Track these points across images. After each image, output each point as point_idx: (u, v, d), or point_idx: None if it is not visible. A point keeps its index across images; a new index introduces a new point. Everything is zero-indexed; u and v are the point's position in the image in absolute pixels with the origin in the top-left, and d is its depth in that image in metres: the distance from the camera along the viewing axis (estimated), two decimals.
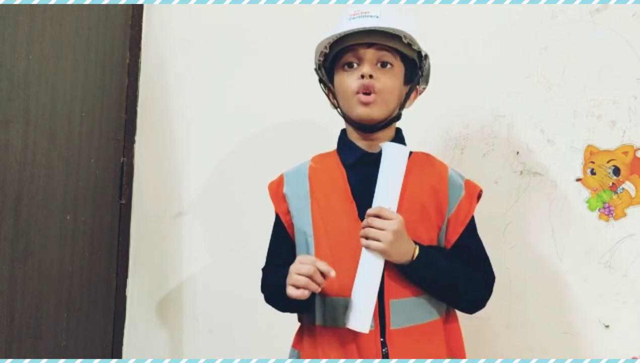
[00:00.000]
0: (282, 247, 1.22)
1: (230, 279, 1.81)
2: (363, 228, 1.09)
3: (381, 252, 1.07)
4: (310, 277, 1.04)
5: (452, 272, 1.13)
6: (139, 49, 2.02)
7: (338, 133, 1.26)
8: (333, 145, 1.26)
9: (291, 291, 1.05)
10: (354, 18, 1.15)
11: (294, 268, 1.06)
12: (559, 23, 1.47)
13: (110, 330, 1.93)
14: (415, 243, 1.11)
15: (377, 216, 1.08)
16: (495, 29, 1.53)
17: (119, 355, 1.95)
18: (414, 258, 1.09)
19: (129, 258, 1.99)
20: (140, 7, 2.02)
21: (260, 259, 1.28)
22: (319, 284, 1.04)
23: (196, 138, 1.92)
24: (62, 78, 1.75)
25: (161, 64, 2.00)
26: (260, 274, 1.27)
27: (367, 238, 1.08)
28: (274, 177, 1.26)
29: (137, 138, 2.00)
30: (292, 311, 1.19)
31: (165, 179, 1.96)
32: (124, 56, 1.98)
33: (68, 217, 1.76)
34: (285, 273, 1.09)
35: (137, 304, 1.97)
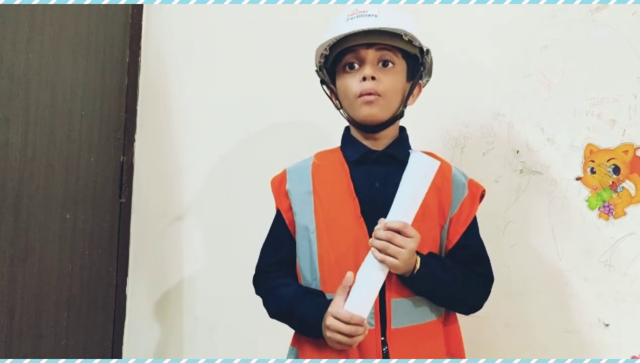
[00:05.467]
0: (281, 243, 1.21)
1: (230, 278, 1.81)
2: (377, 239, 1.04)
3: (394, 268, 1.05)
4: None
5: (451, 282, 1.12)
6: (139, 48, 2.02)
7: (339, 132, 1.26)
8: (333, 145, 1.26)
9: (338, 346, 1.06)
10: (352, 18, 1.14)
11: (335, 326, 1.04)
12: (559, 22, 1.47)
13: (110, 329, 1.93)
14: (417, 253, 1.09)
15: (399, 232, 1.04)
16: (495, 29, 1.53)
17: (119, 355, 1.95)
18: (415, 271, 1.08)
19: (129, 257, 1.99)
20: (140, 6, 2.02)
21: None
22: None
23: (196, 137, 1.92)
24: (62, 77, 1.75)
25: (161, 64, 2.00)
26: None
27: (382, 252, 1.04)
28: (274, 175, 1.26)
29: (137, 137, 2.00)
30: (304, 335, 1.17)
31: (165, 178, 1.96)
32: (124, 55, 1.98)
33: (68, 216, 1.76)
34: (300, 300, 1.11)
35: (137, 303, 1.96)
